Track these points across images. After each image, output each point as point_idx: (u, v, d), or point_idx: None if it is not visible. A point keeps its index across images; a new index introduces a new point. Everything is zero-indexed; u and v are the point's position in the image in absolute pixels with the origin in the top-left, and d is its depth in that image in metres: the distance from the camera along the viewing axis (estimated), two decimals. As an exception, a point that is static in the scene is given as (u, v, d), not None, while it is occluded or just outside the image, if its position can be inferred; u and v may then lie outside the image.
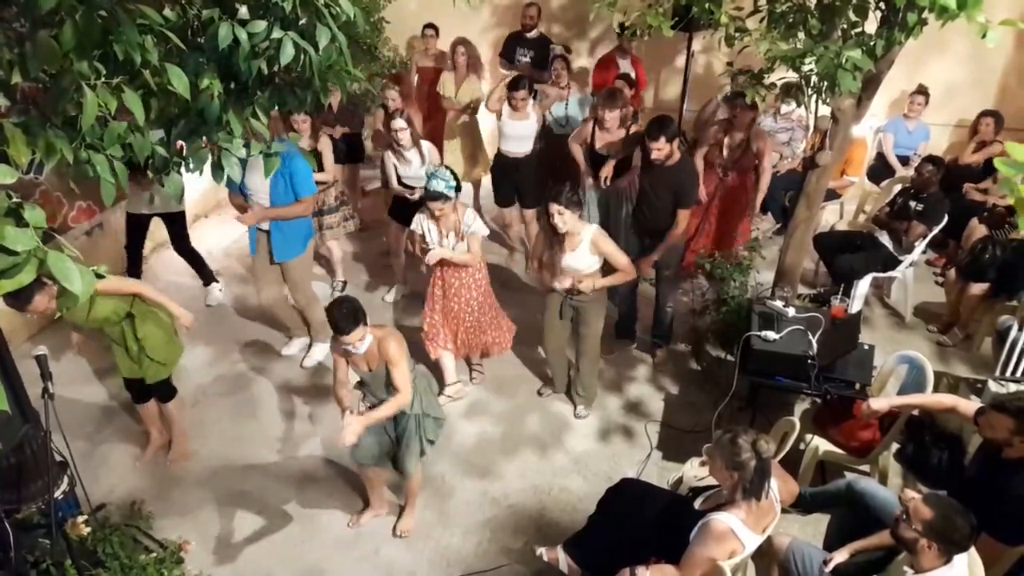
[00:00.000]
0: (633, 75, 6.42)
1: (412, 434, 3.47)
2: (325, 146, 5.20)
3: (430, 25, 6.69)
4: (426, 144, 5.07)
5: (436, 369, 4.42)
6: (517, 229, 6.15)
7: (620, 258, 3.96)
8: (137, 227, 5.27)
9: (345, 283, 5.80)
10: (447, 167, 4.35)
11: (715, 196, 5.48)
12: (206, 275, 5.56)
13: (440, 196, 4.03)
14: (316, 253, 5.81)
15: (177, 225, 5.34)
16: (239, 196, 4.43)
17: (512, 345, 4.65)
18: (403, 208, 5.09)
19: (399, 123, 4.85)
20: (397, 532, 3.71)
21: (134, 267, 5.53)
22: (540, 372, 4.83)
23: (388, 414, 3.31)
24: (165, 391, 3.95)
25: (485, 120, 6.28)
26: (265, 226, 4.47)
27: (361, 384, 3.48)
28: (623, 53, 6.54)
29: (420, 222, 4.26)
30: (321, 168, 5.11)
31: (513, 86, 5.36)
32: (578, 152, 5.20)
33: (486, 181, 6.40)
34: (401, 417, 3.47)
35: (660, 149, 4.23)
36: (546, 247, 4.10)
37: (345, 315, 3.10)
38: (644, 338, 5.09)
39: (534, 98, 5.56)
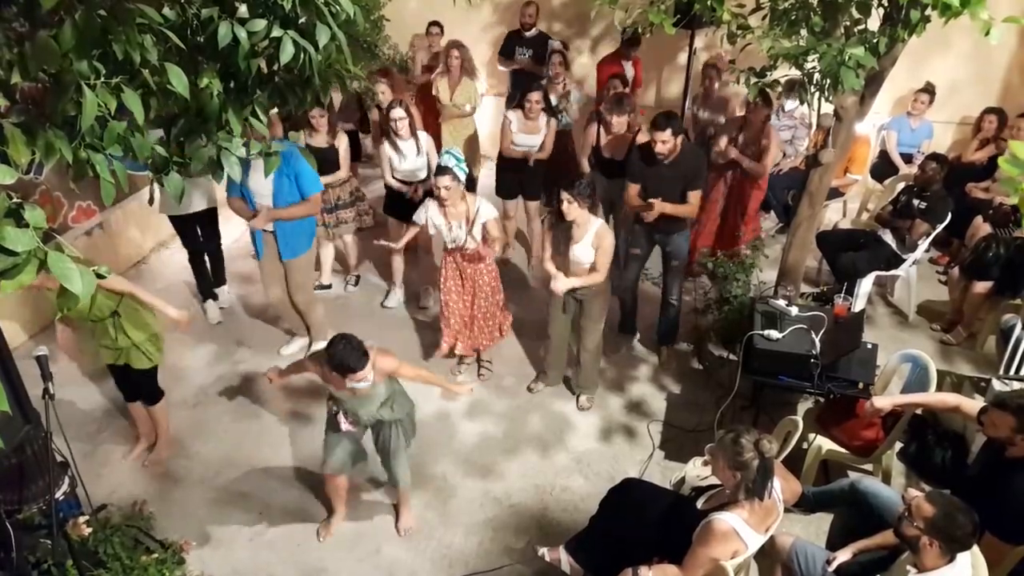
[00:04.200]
0: (631, 76, 6.40)
1: (398, 442, 3.45)
2: (342, 143, 5.19)
3: (435, 23, 6.66)
4: (423, 135, 5.03)
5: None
6: (514, 222, 6.13)
7: (603, 260, 3.97)
8: (182, 229, 5.12)
9: (358, 277, 5.79)
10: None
11: (723, 194, 5.49)
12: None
13: (448, 171, 3.99)
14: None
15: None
16: (238, 200, 4.34)
17: (511, 337, 4.64)
18: (399, 204, 5.07)
19: (398, 112, 4.80)
20: (401, 532, 3.71)
21: (199, 273, 5.31)
22: (541, 369, 4.81)
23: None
24: (150, 392, 3.93)
25: (483, 121, 6.27)
26: (270, 227, 4.42)
27: (335, 400, 3.34)
28: (626, 57, 6.48)
29: (426, 214, 4.23)
30: (338, 166, 5.18)
31: (528, 90, 5.25)
32: (586, 165, 5.26)
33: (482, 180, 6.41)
34: (381, 428, 3.43)
35: (665, 142, 4.19)
36: (555, 241, 4.11)
37: (354, 349, 2.98)
38: (647, 336, 5.08)
39: (548, 109, 5.40)
